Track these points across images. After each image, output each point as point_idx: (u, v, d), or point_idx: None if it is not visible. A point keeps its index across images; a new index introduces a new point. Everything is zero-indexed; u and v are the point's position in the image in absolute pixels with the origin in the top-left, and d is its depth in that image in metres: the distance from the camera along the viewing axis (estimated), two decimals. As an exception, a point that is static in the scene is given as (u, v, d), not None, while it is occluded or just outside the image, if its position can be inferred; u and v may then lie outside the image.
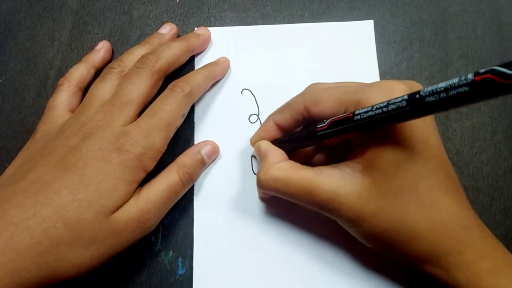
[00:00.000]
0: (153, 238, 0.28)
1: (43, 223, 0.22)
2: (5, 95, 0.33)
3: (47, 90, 0.33)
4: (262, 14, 0.34)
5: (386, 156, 0.21)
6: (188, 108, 0.29)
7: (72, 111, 0.29)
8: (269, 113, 0.31)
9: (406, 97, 0.18)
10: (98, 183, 0.24)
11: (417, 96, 0.17)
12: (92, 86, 0.29)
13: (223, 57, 0.32)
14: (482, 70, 0.15)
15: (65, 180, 0.23)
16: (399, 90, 0.21)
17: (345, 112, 0.22)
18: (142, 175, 0.26)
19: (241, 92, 0.32)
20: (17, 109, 0.32)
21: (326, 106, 0.23)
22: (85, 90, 0.31)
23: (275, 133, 0.27)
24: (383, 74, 0.31)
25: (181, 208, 0.29)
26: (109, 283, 0.28)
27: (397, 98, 0.19)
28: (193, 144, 0.30)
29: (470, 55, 0.32)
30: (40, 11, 0.35)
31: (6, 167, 0.27)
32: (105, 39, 0.33)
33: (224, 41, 0.33)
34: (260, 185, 0.24)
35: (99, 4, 0.35)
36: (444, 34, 0.32)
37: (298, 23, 0.33)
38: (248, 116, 0.31)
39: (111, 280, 0.28)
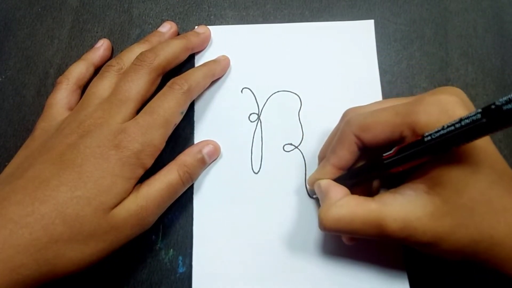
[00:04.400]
0: (153, 236, 0.29)
1: (41, 220, 0.22)
2: (5, 93, 0.33)
3: (47, 88, 0.33)
4: (262, 12, 0.34)
5: (453, 172, 0.20)
6: (187, 106, 0.28)
7: (71, 109, 0.29)
8: (269, 113, 0.31)
9: (479, 110, 0.17)
10: (97, 180, 0.24)
11: (493, 106, 0.16)
12: (91, 84, 0.29)
13: (223, 55, 0.32)
14: None
15: (63, 177, 0.23)
16: (453, 102, 0.20)
17: (402, 136, 0.21)
18: (140, 172, 0.26)
19: (241, 91, 0.32)
20: (17, 107, 0.32)
21: (378, 131, 0.22)
22: (84, 88, 0.31)
23: (334, 174, 0.25)
24: (383, 73, 0.31)
25: (181, 207, 0.29)
26: (110, 282, 0.28)
27: (469, 114, 0.17)
28: (192, 143, 0.30)
29: (471, 54, 0.32)
30: (39, 9, 0.35)
31: (6, 165, 0.27)
32: (105, 38, 0.33)
33: (224, 40, 0.33)
34: (323, 227, 0.23)
35: (99, 2, 0.35)
36: (444, 32, 0.32)
37: (299, 21, 0.33)
38: (248, 115, 0.31)
39: (112, 279, 0.28)
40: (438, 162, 0.20)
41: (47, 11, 0.35)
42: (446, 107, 0.20)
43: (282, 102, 0.31)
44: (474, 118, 0.17)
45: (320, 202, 0.25)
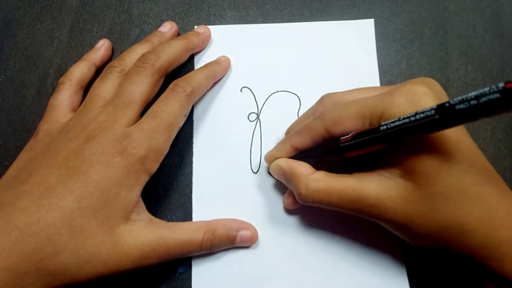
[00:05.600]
0: (153, 236, 0.28)
1: (47, 229, 0.22)
2: (4, 93, 0.33)
3: (46, 88, 0.33)
4: (262, 12, 0.34)
5: (424, 161, 0.20)
6: (190, 108, 0.28)
7: (74, 110, 0.29)
8: (269, 113, 0.31)
9: (435, 106, 0.18)
10: (103, 191, 0.23)
11: (447, 104, 0.17)
12: (94, 85, 0.29)
13: (223, 56, 0.32)
14: None
15: (69, 185, 0.23)
16: (421, 93, 0.20)
17: (371, 126, 0.21)
18: (145, 177, 0.25)
19: (241, 90, 0.32)
20: (16, 107, 0.32)
21: (349, 124, 0.22)
22: (86, 88, 0.31)
23: (291, 153, 0.26)
24: (383, 73, 0.31)
25: (180, 206, 0.29)
26: (109, 283, 0.28)
27: (425, 108, 0.18)
28: (192, 142, 0.30)
29: (470, 54, 0.32)
30: (39, 9, 0.35)
31: (6, 165, 0.27)
32: (104, 38, 0.33)
33: (223, 40, 0.33)
34: (304, 199, 0.24)
35: (98, 2, 0.35)
36: (443, 32, 0.32)
37: (298, 21, 0.33)
38: (248, 114, 0.31)
39: (111, 280, 0.28)
40: (410, 151, 0.21)
41: (47, 11, 0.35)
42: (414, 97, 0.20)
43: (282, 102, 0.31)
44: (428, 113, 0.18)
45: (284, 181, 0.26)
